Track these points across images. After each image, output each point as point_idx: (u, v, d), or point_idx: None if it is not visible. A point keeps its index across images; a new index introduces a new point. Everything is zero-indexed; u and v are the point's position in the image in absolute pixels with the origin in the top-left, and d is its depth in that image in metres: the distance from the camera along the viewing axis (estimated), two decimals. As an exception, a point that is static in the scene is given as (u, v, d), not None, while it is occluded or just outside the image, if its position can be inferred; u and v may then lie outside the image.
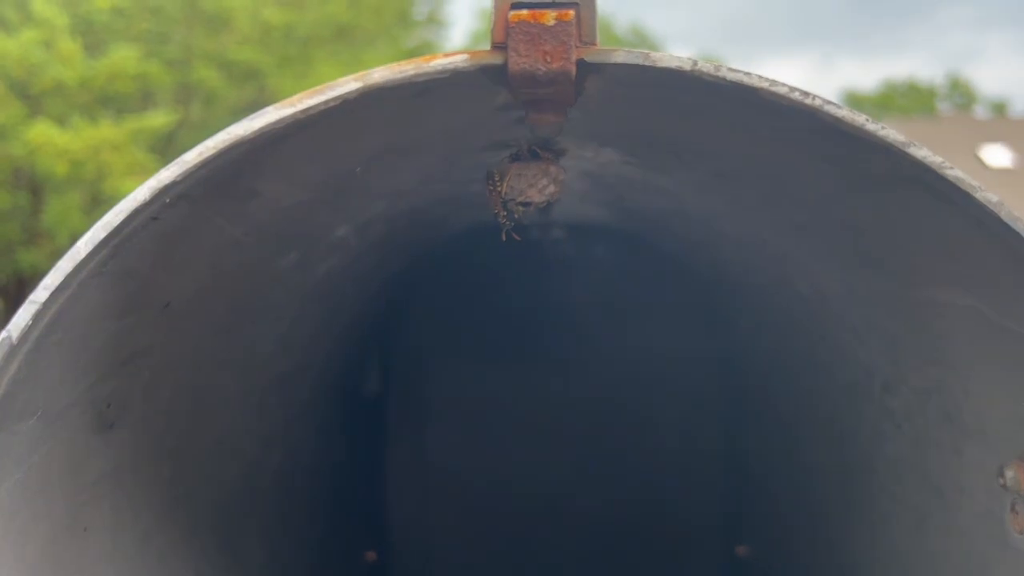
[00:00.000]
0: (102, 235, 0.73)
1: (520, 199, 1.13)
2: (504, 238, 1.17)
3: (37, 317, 0.73)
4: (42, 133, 8.88)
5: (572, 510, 2.91)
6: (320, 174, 1.00)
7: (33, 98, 9.38)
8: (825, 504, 1.84)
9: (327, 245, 1.39)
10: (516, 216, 1.16)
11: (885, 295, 1.16)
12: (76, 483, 0.98)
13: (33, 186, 10.09)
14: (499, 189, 1.13)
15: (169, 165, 0.73)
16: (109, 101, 9.74)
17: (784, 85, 0.74)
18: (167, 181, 0.74)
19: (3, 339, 0.72)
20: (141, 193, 0.73)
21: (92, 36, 10.09)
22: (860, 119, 0.74)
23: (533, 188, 1.12)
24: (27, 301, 0.73)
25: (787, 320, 1.83)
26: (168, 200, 0.75)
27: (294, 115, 0.73)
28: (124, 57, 9.52)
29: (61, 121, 9.18)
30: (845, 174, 0.86)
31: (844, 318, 1.44)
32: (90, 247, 0.73)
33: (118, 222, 0.73)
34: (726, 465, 2.81)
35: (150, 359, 1.07)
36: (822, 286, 1.41)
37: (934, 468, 1.29)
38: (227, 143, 0.74)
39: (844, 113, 0.74)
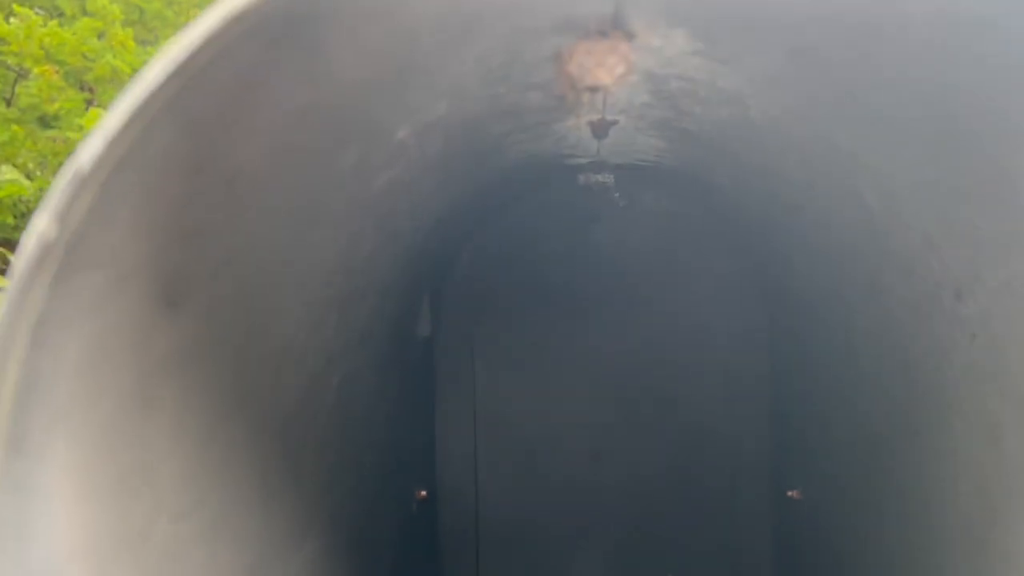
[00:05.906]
0: (183, 57, 0.71)
1: (589, 81, 1.11)
2: (575, 127, 1.14)
3: (112, 145, 0.72)
4: (96, 117, 9.11)
5: (620, 455, 2.90)
6: (381, 40, 0.97)
7: (88, 86, 9.63)
8: (887, 434, 1.78)
9: (388, 149, 1.38)
10: (584, 103, 1.13)
11: (968, 174, 1.11)
12: (143, 355, 0.97)
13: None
14: (567, 68, 1.10)
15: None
16: (160, 88, 9.95)
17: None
18: (239, 11, 0.72)
19: (76, 170, 0.71)
20: (212, 20, 0.72)
21: (143, 25, 10.35)
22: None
23: (602, 68, 1.10)
24: (98, 128, 0.71)
25: (848, 243, 1.77)
26: (242, 29, 0.74)
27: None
28: (174, 45, 9.75)
29: (115, 108, 9.40)
30: (942, 18, 0.82)
31: (916, 222, 1.38)
32: (166, 73, 0.72)
33: (197, 45, 0.71)
34: (776, 408, 2.77)
35: (214, 240, 1.06)
36: (893, 186, 1.36)
37: (1012, 374, 1.23)
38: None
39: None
